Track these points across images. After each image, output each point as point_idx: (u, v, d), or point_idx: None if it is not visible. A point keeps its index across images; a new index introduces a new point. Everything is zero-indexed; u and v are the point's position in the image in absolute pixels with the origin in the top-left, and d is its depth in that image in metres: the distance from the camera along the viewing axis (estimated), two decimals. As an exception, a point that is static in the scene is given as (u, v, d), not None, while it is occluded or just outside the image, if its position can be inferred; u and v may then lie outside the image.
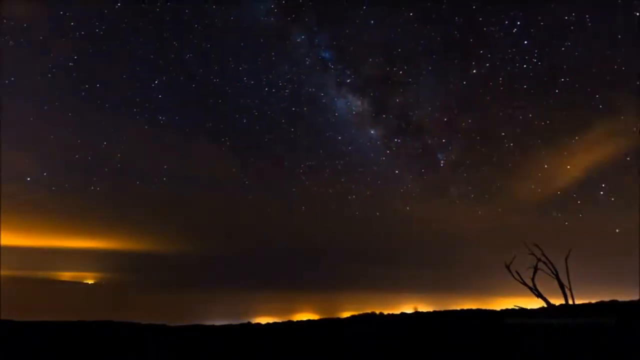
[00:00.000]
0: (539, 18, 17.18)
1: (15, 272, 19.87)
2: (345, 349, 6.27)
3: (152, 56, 21.18)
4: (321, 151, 23.62)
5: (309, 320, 10.20)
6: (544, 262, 9.99)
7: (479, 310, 10.64)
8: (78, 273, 21.57)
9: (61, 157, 20.46)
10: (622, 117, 16.64)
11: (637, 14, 15.46)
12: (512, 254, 10.32)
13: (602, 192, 17.98)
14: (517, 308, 9.96)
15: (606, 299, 8.98)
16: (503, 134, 19.62)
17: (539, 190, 19.89)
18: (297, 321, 10.09)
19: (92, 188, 21.03)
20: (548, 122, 18.60)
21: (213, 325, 10.53)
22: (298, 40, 21.98)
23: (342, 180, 23.39)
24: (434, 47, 20.19)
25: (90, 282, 21.51)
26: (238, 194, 23.16)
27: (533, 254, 10.09)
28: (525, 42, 17.93)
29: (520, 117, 19.05)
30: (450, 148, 21.97)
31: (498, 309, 10.74)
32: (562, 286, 9.65)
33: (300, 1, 20.81)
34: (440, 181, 22.48)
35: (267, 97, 22.54)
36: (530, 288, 9.96)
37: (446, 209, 22.71)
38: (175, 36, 21.04)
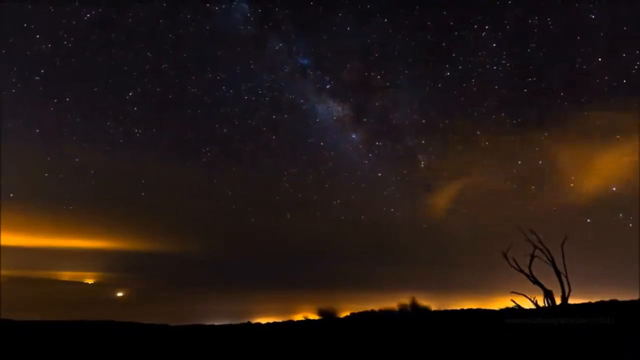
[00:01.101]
0: (505, 22, 18.62)
1: (15, 272, 19.91)
2: (345, 349, 6.27)
3: (125, 67, 20.68)
4: (304, 157, 23.53)
5: (309, 320, 10.22)
6: (540, 249, 10.06)
7: (479, 310, 10.66)
8: (78, 273, 21.59)
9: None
10: (585, 113, 18.15)
11: (592, 16, 17.13)
12: (501, 247, 10.40)
13: (572, 185, 19.42)
14: (516, 308, 9.99)
15: (606, 298, 9.00)
16: (478, 132, 20.79)
17: (514, 186, 20.91)
18: (297, 321, 10.11)
19: (92, 186, 21.13)
20: (519, 120, 19.94)
21: (213, 325, 10.55)
22: (276, 48, 22.06)
23: (326, 185, 23.42)
24: (408, 51, 21.18)
25: (90, 281, 21.54)
26: (221, 204, 23.04)
27: (529, 241, 10.17)
28: (494, 45, 19.19)
29: (493, 117, 20.34)
30: (430, 149, 22.64)
31: (497, 308, 10.79)
32: (558, 273, 9.70)
33: (277, 9, 21.10)
34: (422, 181, 23.16)
35: (246, 105, 22.50)
36: (527, 275, 10.03)
37: (429, 208, 23.42)
38: (149, 47, 20.72)
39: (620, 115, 17.69)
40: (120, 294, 21.34)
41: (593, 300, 9.18)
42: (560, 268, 9.72)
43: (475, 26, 19.07)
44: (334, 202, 23.24)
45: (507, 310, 10.36)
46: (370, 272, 23.41)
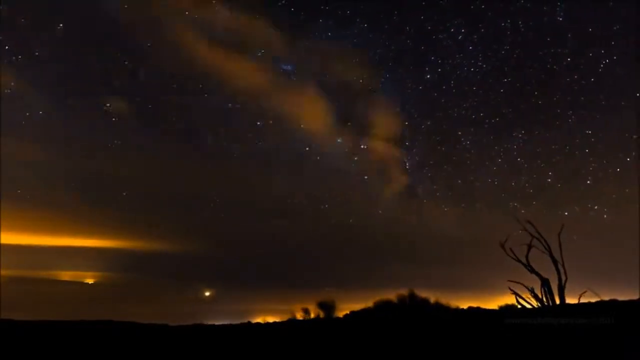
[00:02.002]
0: (480, 25, 19.60)
1: (16, 272, 19.91)
2: (345, 348, 6.27)
3: (101, 79, 20.72)
4: (290, 163, 23.71)
5: (309, 320, 10.23)
6: (537, 238, 10.11)
7: (479, 310, 10.67)
8: (78, 272, 21.60)
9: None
10: (558, 111, 19.24)
11: (560, 18, 18.17)
12: (492, 243, 10.47)
13: (549, 180, 20.44)
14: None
15: (606, 298, 9.00)
16: (459, 133, 21.59)
17: (496, 183, 21.59)
18: (297, 321, 10.12)
19: (93, 186, 21.14)
20: (497, 119, 20.75)
21: (213, 325, 10.56)
22: (258, 54, 22.21)
23: (314, 191, 23.62)
24: (389, 55, 21.89)
25: (90, 281, 21.54)
26: (210, 213, 23.11)
27: (526, 230, 10.24)
28: (470, 47, 20.11)
29: (473, 117, 21.13)
30: (414, 150, 23.36)
31: (495, 305, 10.82)
32: (554, 261, 9.74)
33: (257, 16, 21.30)
34: (407, 183, 23.71)
35: (231, 113, 22.46)
36: (524, 265, 10.06)
37: (416, 208, 23.95)
38: (128, 56, 20.59)
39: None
40: (119, 294, 21.36)
41: (593, 300, 9.20)
42: (557, 257, 9.77)
43: (452, 30, 20.03)
44: (322, 207, 23.50)
45: (507, 310, 10.38)
46: (365, 272, 23.48)
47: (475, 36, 19.90)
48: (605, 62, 17.98)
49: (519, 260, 10.10)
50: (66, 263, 21.42)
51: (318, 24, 21.43)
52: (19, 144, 19.15)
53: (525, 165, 20.98)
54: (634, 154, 18.21)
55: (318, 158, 23.10)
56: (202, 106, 22.47)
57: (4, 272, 18.44)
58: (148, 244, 23.01)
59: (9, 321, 8.84)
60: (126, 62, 20.82)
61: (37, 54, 19.20)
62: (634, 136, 17.91)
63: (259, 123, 22.59)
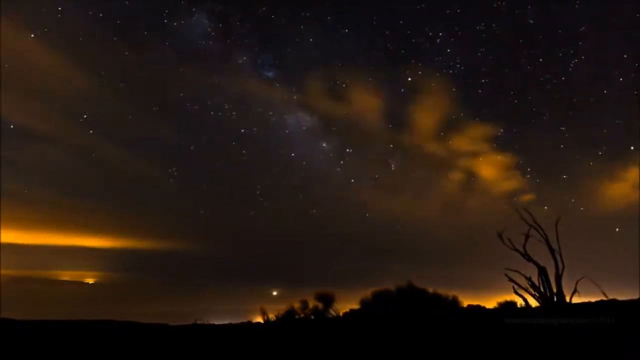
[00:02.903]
0: (456, 29, 20.34)
1: (16, 272, 19.92)
2: (345, 348, 6.27)
3: (75, 92, 19.84)
4: (276, 170, 23.35)
5: (308, 320, 10.23)
6: (535, 228, 10.18)
7: (478, 310, 10.68)
8: (78, 272, 21.60)
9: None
10: (533, 109, 20.17)
11: (531, 21, 19.21)
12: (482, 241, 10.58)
13: (528, 176, 21.39)
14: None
15: (606, 298, 9.01)
16: (442, 133, 22.08)
17: (477, 181, 22.36)
18: (297, 321, 10.12)
19: (93, 186, 21.13)
20: (476, 119, 21.40)
21: (213, 325, 10.57)
22: (240, 61, 21.97)
23: (300, 196, 23.40)
24: (370, 59, 22.22)
25: (91, 281, 21.55)
26: (194, 224, 22.90)
27: (523, 219, 10.34)
28: (448, 50, 20.69)
29: (454, 117, 21.62)
30: (397, 152, 23.49)
31: (495, 302, 10.84)
32: (552, 250, 9.83)
33: (238, 24, 21.27)
34: (393, 184, 23.90)
35: (213, 121, 21.93)
36: (521, 254, 10.13)
37: (403, 208, 24.14)
38: (102, 68, 19.95)
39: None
40: (119, 294, 21.36)
41: (592, 300, 9.22)
42: (554, 246, 9.90)
43: (430, 33, 20.70)
44: (311, 212, 23.28)
45: (506, 306, 10.40)
46: (361, 272, 23.43)
47: (453, 39, 20.64)
48: (574, 61, 19.09)
49: (516, 250, 10.20)
50: (66, 263, 21.41)
51: (300, 30, 21.51)
52: (20, 142, 19.18)
53: (505, 161, 21.96)
54: (604, 147, 19.40)
55: (304, 163, 23.06)
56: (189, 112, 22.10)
57: (4, 272, 18.44)
58: (148, 244, 23.01)
59: (9, 321, 8.84)
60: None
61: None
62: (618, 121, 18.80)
63: (243, 131, 22.16)
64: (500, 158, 21.61)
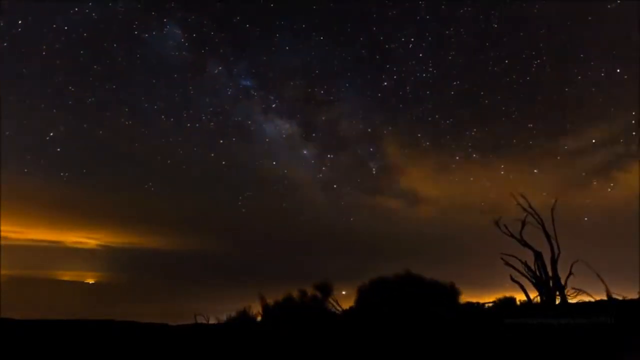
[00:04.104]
0: (427, 34, 21.22)
1: (16, 272, 19.94)
2: (345, 347, 6.27)
3: (42, 105, 19.09)
4: (257, 179, 23.29)
5: (307, 320, 10.23)
6: (531, 213, 10.42)
7: (478, 310, 10.67)
8: (78, 272, 21.64)
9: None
10: (503, 108, 21.13)
11: (495, 25, 20.31)
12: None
13: (502, 172, 21.68)
14: (520, 302, 10.09)
15: (606, 297, 9.03)
16: (419, 135, 22.83)
17: (456, 179, 22.60)
18: (296, 321, 10.11)
19: (94, 186, 21.09)
20: (451, 120, 22.20)
21: (213, 325, 10.57)
22: (215, 71, 21.73)
23: (284, 205, 23.41)
24: (347, 65, 22.62)
25: (91, 281, 21.58)
26: (177, 239, 22.92)
27: (520, 205, 10.55)
28: (420, 55, 21.40)
29: (430, 119, 22.42)
30: (378, 155, 23.95)
31: (493, 299, 10.89)
32: (547, 236, 10.03)
33: (212, 33, 21.03)
34: (375, 187, 24.30)
35: (190, 133, 21.57)
36: (517, 240, 10.34)
37: (387, 210, 24.47)
38: (70, 80, 19.18)
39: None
40: (119, 294, 21.38)
41: (592, 300, 9.24)
42: (550, 231, 10.08)
43: (402, 39, 21.36)
44: (298, 219, 23.51)
45: (505, 302, 10.44)
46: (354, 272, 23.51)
47: (424, 44, 21.36)
48: (537, 62, 20.37)
49: (512, 236, 10.41)
50: (66, 263, 21.45)
51: (275, 38, 21.63)
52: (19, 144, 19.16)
53: (481, 160, 22.78)
54: (566, 147, 20.80)
55: (285, 171, 23.03)
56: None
57: (4, 272, 18.47)
58: (148, 244, 23.07)
59: (9, 321, 8.84)
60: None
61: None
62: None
63: (222, 141, 21.95)
64: (475, 156, 22.52)
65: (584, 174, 21.11)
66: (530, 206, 10.44)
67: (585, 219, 19.51)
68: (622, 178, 20.17)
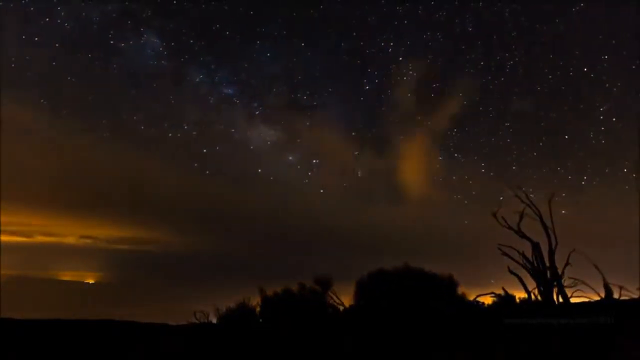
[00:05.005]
0: (404, 39, 22.02)
1: (16, 272, 19.95)
2: (345, 346, 6.28)
3: (17, 118, 18.45)
4: (243, 187, 23.11)
5: (306, 320, 10.22)
6: (528, 205, 10.51)
7: (478, 310, 10.67)
8: (78, 272, 21.66)
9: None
10: (480, 108, 21.85)
11: (470, 28, 21.27)
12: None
13: (483, 170, 22.05)
14: (520, 300, 10.09)
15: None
16: (402, 137, 23.28)
17: (440, 179, 22.85)
18: (296, 321, 10.11)
19: (93, 186, 21.08)
20: (430, 122, 22.65)
21: (213, 325, 10.56)
22: (197, 80, 21.54)
23: (271, 211, 23.41)
24: (329, 71, 23.02)
25: (90, 281, 21.59)
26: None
27: (517, 197, 10.65)
28: (400, 58, 22.12)
29: (413, 121, 22.89)
30: (362, 158, 23.94)
31: (491, 299, 10.90)
32: (545, 227, 10.10)
33: (191, 42, 20.91)
34: (362, 190, 24.35)
35: (173, 143, 21.07)
36: (515, 231, 10.42)
37: (375, 212, 24.42)
38: (44, 94, 18.81)
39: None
40: (119, 294, 21.39)
41: (592, 300, 9.24)
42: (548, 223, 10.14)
43: (382, 44, 21.95)
44: (287, 225, 23.27)
45: (504, 299, 10.45)
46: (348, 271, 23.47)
47: (403, 48, 22.06)
48: (510, 63, 21.31)
49: (510, 228, 10.50)
50: (66, 263, 21.46)
51: (255, 45, 21.66)
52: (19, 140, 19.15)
53: (462, 160, 23.21)
54: (544, 138, 21.15)
55: (271, 178, 22.87)
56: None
57: (4, 272, 18.48)
58: (148, 244, 23.07)
59: (9, 321, 8.85)
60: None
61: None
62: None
63: (205, 150, 21.58)
64: (458, 156, 22.77)
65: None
66: (527, 197, 10.56)
67: (563, 212, 19.77)
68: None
